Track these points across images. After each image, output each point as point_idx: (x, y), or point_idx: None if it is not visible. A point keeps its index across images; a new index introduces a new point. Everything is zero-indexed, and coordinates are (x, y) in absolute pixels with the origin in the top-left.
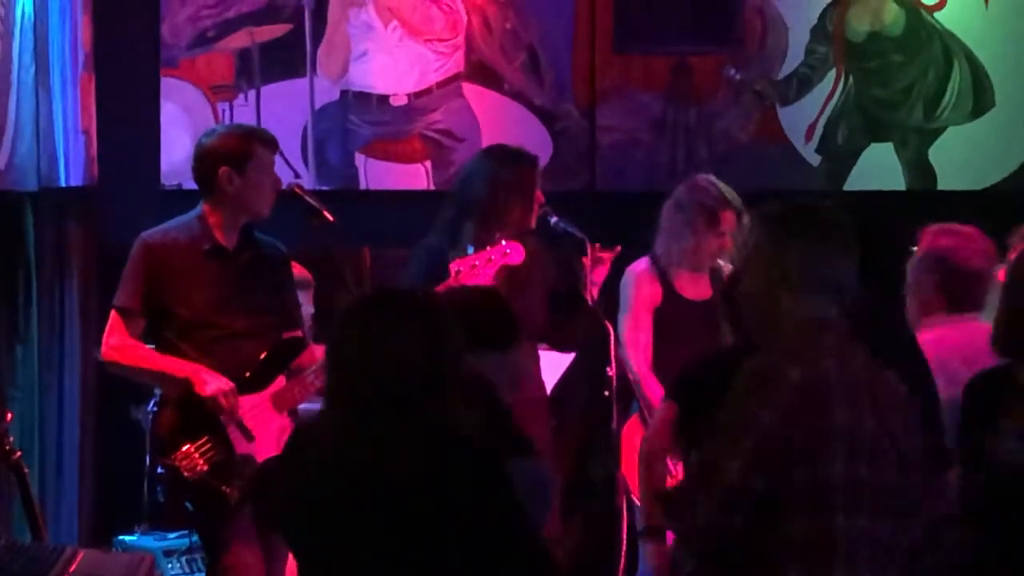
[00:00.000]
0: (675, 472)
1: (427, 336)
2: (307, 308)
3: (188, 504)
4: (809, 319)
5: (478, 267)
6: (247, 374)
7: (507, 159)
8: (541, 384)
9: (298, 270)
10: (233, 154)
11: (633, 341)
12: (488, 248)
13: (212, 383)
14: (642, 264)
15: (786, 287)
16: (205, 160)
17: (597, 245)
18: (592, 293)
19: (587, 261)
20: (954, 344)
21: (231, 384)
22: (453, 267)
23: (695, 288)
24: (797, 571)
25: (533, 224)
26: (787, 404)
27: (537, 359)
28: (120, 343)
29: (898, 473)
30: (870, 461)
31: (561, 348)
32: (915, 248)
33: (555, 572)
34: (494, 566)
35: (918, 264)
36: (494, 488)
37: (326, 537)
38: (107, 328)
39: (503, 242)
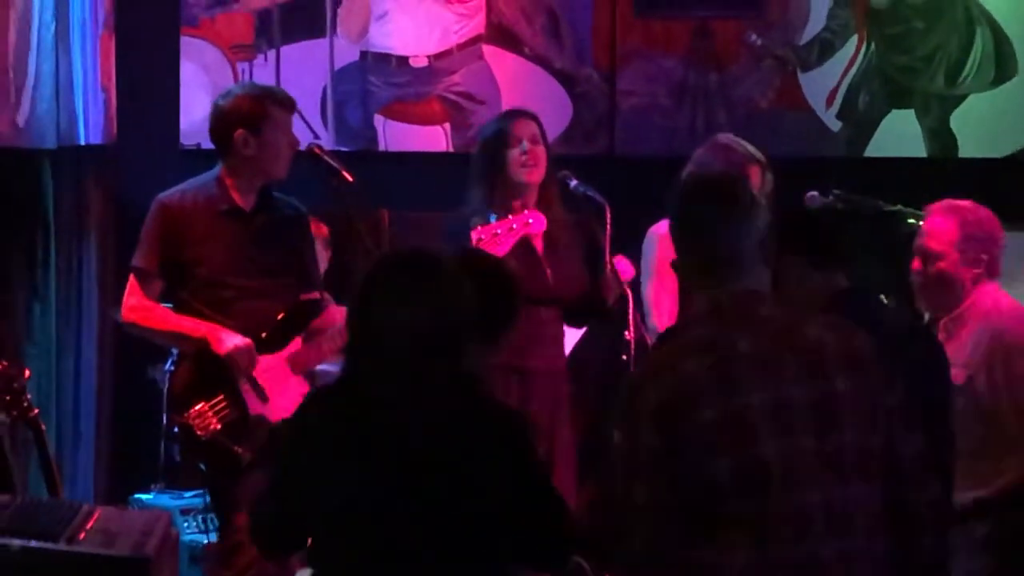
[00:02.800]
0: None
1: (445, 297)
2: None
3: (201, 464)
4: (712, 296)
5: (500, 235)
6: (263, 335)
7: (494, 119)
8: (562, 354)
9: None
10: (248, 116)
11: (658, 303)
12: (511, 217)
13: (229, 340)
14: (665, 226)
15: (697, 269)
16: (221, 122)
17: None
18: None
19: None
20: None
21: (249, 341)
22: (475, 235)
23: None
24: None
25: (535, 179)
26: (687, 396)
27: (561, 326)
28: (138, 304)
29: (867, 433)
30: (820, 429)
31: (585, 318)
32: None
33: (573, 521)
34: (514, 519)
35: None
36: (512, 444)
37: (347, 499)
38: (126, 290)
39: (526, 211)
